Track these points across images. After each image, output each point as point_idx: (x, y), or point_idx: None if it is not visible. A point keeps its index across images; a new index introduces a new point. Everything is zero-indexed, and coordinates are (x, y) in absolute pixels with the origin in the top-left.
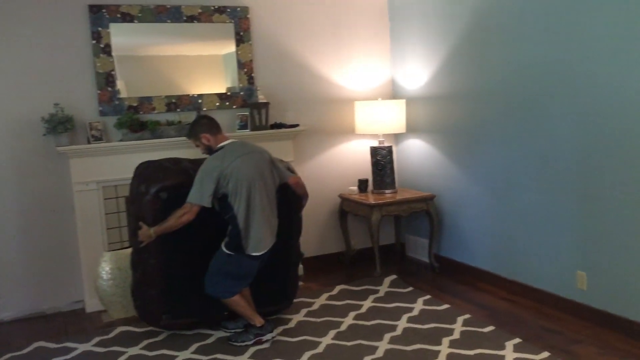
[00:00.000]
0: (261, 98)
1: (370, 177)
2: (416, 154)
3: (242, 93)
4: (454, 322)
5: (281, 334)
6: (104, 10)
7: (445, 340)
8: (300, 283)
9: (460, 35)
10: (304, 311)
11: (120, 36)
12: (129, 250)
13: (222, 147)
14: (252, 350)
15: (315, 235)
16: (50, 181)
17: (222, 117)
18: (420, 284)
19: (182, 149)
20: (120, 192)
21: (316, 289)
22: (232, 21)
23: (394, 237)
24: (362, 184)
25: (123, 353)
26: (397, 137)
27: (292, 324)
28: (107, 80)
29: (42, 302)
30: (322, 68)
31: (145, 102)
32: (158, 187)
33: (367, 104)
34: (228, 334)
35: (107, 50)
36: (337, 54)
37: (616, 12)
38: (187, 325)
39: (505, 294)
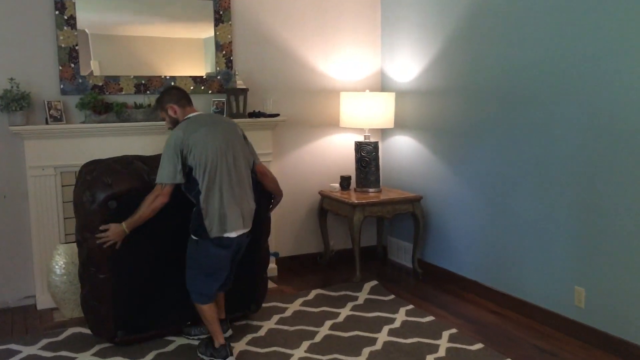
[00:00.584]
0: (239, 84)
1: (353, 174)
2: (403, 151)
3: (219, 77)
4: (438, 336)
5: (249, 342)
6: None
7: (430, 358)
8: (274, 285)
9: (456, 26)
10: (275, 317)
11: (89, 11)
12: None
13: (187, 119)
14: None
15: (291, 234)
16: (1, 163)
17: (197, 103)
18: (402, 291)
19: (150, 135)
20: None
21: (290, 292)
22: None
23: (375, 239)
24: (345, 181)
25: (72, 359)
26: (384, 132)
27: (262, 332)
28: (70, 55)
29: None
30: (307, 54)
31: (112, 82)
32: (106, 195)
33: (354, 96)
34: (190, 340)
35: (71, 22)
36: (323, 41)
37: (615, 7)
38: (146, 338)
39: (494, 307)
